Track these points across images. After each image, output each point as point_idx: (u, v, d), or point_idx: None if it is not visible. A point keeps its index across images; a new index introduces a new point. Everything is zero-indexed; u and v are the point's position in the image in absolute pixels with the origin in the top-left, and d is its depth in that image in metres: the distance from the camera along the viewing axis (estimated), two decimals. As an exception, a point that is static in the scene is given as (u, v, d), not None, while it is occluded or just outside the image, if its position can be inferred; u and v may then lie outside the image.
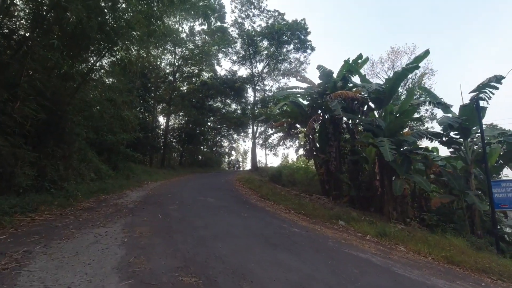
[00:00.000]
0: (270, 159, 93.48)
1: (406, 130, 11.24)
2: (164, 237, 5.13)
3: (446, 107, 10.93)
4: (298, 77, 14.09)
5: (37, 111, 7.39)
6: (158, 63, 25.91)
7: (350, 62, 12.36)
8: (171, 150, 29.80)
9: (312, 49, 25.22)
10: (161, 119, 29.99)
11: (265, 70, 28.39)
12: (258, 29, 25.32)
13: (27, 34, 8.00)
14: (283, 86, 28.89)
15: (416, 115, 10.54)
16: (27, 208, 6.32)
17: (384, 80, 13.57)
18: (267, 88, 29.97)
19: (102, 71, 13.10)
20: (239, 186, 15.07)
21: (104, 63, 13.66)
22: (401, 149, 10.03)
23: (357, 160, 13.06)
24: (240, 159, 52.22)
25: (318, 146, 14.14)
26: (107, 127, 14.48)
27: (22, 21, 8.71)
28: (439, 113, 21.97)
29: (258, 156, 28.38)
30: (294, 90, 13.75)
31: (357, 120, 11.59)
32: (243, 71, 36.68)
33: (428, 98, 11.32)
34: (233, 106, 32.46)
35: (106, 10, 9.32)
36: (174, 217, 6.96)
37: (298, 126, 15.20)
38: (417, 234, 8.22)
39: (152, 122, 25.54)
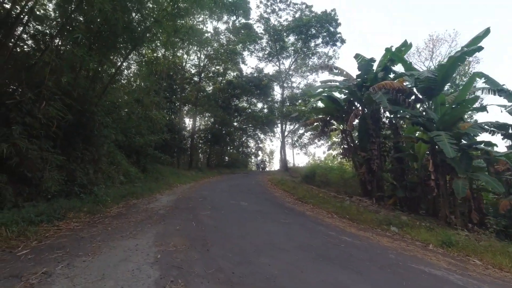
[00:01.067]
0: (298, 159, 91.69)
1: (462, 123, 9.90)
2: (201, 251, 4.42)
3: (510, 95, 9.49)
4: (334, 70, 13.04)
5: (64, 112, 6.96)
6: (184, 64, 25.73)
7: (393, 50, 11.16)
8: (197, 152, 29.58)
9: (342, 41, 23.86)
10: (187, 121, 29.94)
11: (292, 67, 27.40)
12: (285, 23, 24.33)
13: (53, 33, 7.64)
14: (311, 83, 27.81)
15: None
16: (54, 215, 5.87)
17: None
18: (294, 85, 28.95)
19: (129, 71, 12.79)
20: (271, 187, 14.27)
21: (130, 62, 13.42)
22: (459, 144, 8.75)
23: (401, 158, 11.82)
24: (267, 159, 51.02)
25: (357, 143, 13.03)
26: (135, 129, 14.20)
27: (48, 21, 8.44)
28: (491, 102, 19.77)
29: (286, 156, 27.28)
30: (330, 83, 12.74)
31: (405, 114, 10.38)
32: (269, 69, 35.74)
33: (487, 85, 9.90)
34: (259, 105, 31.77)
35: (132, 6, 8.87)
36: (208, 225, 6.27)
37: (334, 122, 14.15)
38: (489, 243, 6.99)
39: (179, 123, 25.38)
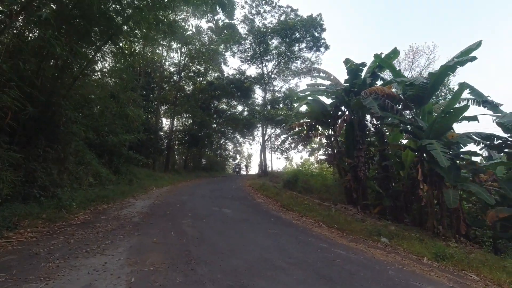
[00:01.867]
0: (276, 163, 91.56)
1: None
2: (184, 270, 3.70)
3: (494, 106, 9.50)
4: (321, 73, 12.71)
5: (22, 103, 5.98)
6: (163, 61, 24.67)
7: (383, 57, 10.97)
8: (174, 153, 28.41)
9: (326, 47, 23.80)
10: (164, 121, 28.75)
11: (274, 70, 27.03)
12: (270, 25, 23.91)
13: (15, 10, 6.61)
14: (293, 87, 27.59)
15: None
16: (3, 224, 4.90)
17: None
18: (276, 89, 28.61)
19: (103, 63, 11.73)
20: (253, 193, 13.64)
21: (105, 55, 12.36)
22: (448, 154, 8.58)
23: (387, 165, 11.62)
24: (244, 163, 49.93)
25: (342, 149, 12.74)
26: (108, 127, 13.11)
27: None
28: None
29: (266, 160, 26.76)
30: (316, 87, 12.37)
31: (393, 121, 10.17)
32: (252, 71, 35.37)
33: (472, 96, 9.90)
34: (240, 108, 31.15)
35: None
36: (191, 236, 5.53)
37: (319, 127, 13.81)
38: (484, 257, 6.76)
39: (155, 123, 24.20)
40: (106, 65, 13.95)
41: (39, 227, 5.38)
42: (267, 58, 25.58)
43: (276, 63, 26.13)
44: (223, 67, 29.21)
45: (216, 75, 28.92)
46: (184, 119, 29.64)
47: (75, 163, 9.95)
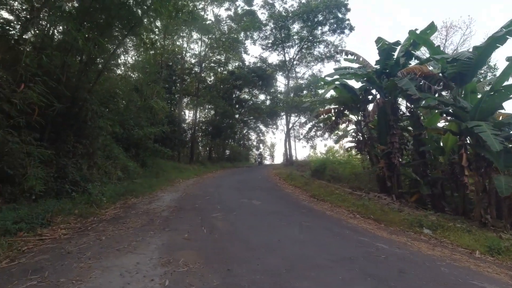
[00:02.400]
0: (299, 152, 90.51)
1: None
2: (220, 271, 3.44)
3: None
4: (349, 55, 11.97)
5: (49, 99, 5.91)
6: (184, 53, 24.56)
7: (418, 33, 10.07)
8: (198, 145, 28.54)
9: (351, 29, 22.55)
10: (187, 113, 28.90)
11: (296, 57, 26.17)
12: (291, 9, 23.00)
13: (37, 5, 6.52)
14: (317, 73, 26.65)
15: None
16: (37, 221, 4.87)
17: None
18: (299, 75, 27.81)
19: (125, 57, 11.68)
20: (281, 183, 13.32)
21: (128, 48, 12.31)
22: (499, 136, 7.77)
23: (423, 151, 10.83)
24: (267, 152, 49.36)
25: (372, 136, 12.06)
26: (134, 120, 13.16)
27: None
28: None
29: (291, 149, 26.22)
30: (344, 70, 11.66)
31: (432, 102, 9.38)
32: (273, 58, 34.62)
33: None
34: (261, 97, 30.65)
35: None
36: (223, 231, 5.30)
37: (347, 113, 13.15)
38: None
39: (178, 115, 24.31)
40: (129, 59, 13.97)
41: (72, 223, 5.34)
42: (289, 44, 24.75)
43: (298, 49, 25.24)
44: (244, 56, 28.76)
45: (237, 64, 28.52)
46: (206, 110, 29.65)
47: (104, 158, 10.02)
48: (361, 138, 12.56)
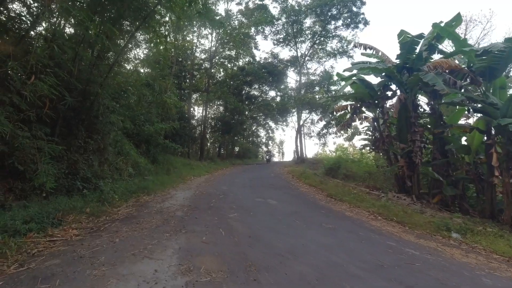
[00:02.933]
0: (309, 150, 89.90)
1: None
2: (246, 281, 3.12)
3: None
4: (368, 50, 11.46)
5: (60, 92, 5.65)
6: (194, 48, 24.27)
7: (442, 25, 9.52)
8: (207, 141, 28.30)
9: (366, 23, 21.82)
10: (196, 110, 28.71)
11: (308, 52, 25.60)
12: (303, 3, 22.44)
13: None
14: (329, 69, 26.06)
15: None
16: (47, 221, 4.62)
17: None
18: (310, 71, 27.24)
19: (137, 51, 11.40)
20: (294, 181, 12.95)
21: (139, 41, 12.03)
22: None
23: (446, 150, 10.33)
24: (275, 149, 48.70)
25: (390, 134, 11.57)
26: (145, 116, 12.93)
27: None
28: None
29: (302, 147, 25.69)
30: (362, 65, 11.16)
31: (459, 98, 8.87)
32: (284, 54, 34.02)
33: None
34: (271, 93, 30.22)
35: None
36: (242, 234, 4.98)
37: (364, 110, 12.67)
38: None
39: (188, 111, 24.10)
40: (140, 53, 13.73)
41: (83, 222, 5.08)
42: (301, 39, 24.20)
43: (311, 44, 24.67)
44: (254, 51, 28.33)
45: (247, 60, 28.13)
46: (215, 106, 29.36)
47: (115, 154, 9.80)
48: (379, 135, 12.09)
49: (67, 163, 6.91)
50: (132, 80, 11.60)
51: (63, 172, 6.63)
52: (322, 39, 24.00)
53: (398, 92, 10.88)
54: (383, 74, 10.91)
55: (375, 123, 12.27)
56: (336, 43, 24.06)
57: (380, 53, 11.51)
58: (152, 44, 12.47)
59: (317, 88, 25.53)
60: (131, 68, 13.63)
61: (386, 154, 12.19)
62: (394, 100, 10.99)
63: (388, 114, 10.93)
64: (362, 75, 12.08)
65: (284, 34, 24.42)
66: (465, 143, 10.27)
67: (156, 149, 13.33)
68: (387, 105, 11.71)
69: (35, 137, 5.66)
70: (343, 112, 12.90)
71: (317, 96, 24.09)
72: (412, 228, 6.92)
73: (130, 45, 9.99)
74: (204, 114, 24.18)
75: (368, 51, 11.65)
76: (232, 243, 4.44)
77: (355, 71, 11.63)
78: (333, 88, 24.61)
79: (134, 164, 10.54)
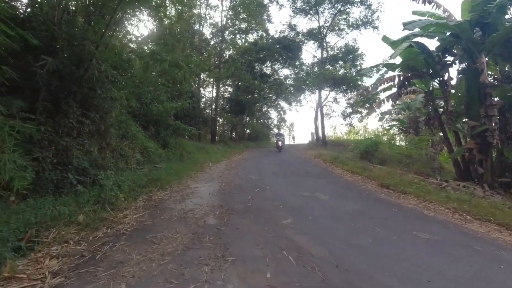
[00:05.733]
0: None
1: None
2: None
3: None
4: (428, 3, 9.21)
5: (31, 46, 3.75)
6: (202, 23, 21.95)
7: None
8: (218, 123, 26.35)
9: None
10: (202, 91, 26.62)
11: (327, 24, 23.04)
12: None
13: None
14: (350, 43, 23.53)
15: None
16: (7, 246, 2.80)
17: None
18: (330, 44, 24.72)
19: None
20: (330, 167, 11.05)
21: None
22: None
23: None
24: (286, 132, 46.16)
25: (451, 109, 9.50)
26: (152, 94, 11.01)
27: None
28: None
29: (323, 128, 23.49)
30: (424, 22, 8.94)
31: None
32: (302, 26, 30.96)
33: None
34: (285, 71, 27.89)
35: None
36: (320, 260, 3.12)
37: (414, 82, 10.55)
38: None
39: (198, 91, 22.06)
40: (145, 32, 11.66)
41: (71, 242, 3.28)
42: (323, 7, 21.66)
43: (333, 14, 22.13)
44: (268, 26, 25.83)
45: (260, 34, 25.72)
46: (224, 87, 27.17)
47: (119, 137, 7.98)
48: (432, 112, 10.04)
49: (55, 149, 5.10)
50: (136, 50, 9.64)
51: (49, 162, 4.84)
52: (344, 6, 21.42)
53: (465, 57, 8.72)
54: (448, 34, 8.73)
55: (429, 96, 10.17)
56: (361, 12, 21.44)
57: (441, 9, 9.26)
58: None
59: (340, 62, 23.15)
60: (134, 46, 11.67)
61: (443, 133, 10.14)
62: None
63: (451, 85, 8.82)
64: (416, 39, 9.83)
65: (302, 1, 21.88)
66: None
67: (167, 131, 11.47)
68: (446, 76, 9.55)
69: (1, 113, 3.80)
70: (387, 85, 10.79)
71: (340, 71, 21.78)
72: (527, 235, 5.02)
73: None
74: (216, 92, 22.08)
75: (427, 6, 9.39)
76: (313, 277, 2.61)
77: (407, 33, 9.46)
78: (357, 63, 22.28)
79: (142, 149, 8.73)
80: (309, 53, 25.21)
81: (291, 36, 23.92)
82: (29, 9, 5.36)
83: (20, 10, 5.40)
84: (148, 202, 5.23)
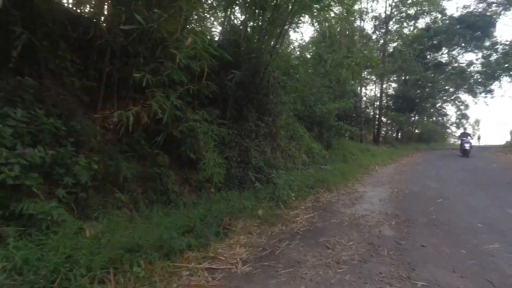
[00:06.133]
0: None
1: None
2: None
3: None
4: None
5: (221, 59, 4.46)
6: (363, 17, 20.80)
7: None
8: (381, 122, 24.18)
9: None
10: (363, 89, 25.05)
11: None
12: None
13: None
14: None
15: None
16: (210, 231, 3.39)
17: None
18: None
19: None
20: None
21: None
22: None
23: None
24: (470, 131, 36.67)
25: None
26: (315, 96, 11.25)
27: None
28: None
29: (500, 125, 17.25)
30: None
31: None
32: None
33: None
34: (467, 57, 22.46)
35: None
36: None
37: None
38: None
39: (360, 90, 21.00)
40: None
41: (254, 234, 3.66)
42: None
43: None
44: (444, 4, 21.69)
45: (434, 17, 21.90)
46: (387, 84, 24.60)
47: (287, 138, 8.56)
48: None
49: (239, 150, 5.96)
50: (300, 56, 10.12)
51: (235, 161, 5.70)
52: None
53: None
54: None
55: None
56: None
57: None
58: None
59: None
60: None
61: None
62: None
63: None
64: None
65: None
66: None
67: (330, 132, 11.45)
68: None
69: (206, 121, 4.75)
70: None
71: None
72: None
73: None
74: (380, 88, 20.43)
75: None
76: None
77: None
78: None
79: (307, 150, 9.05)
80: (509, 27, 18.91)
81: (479, 10, 19.09)
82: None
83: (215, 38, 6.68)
84: (316, 203, 5.28)
